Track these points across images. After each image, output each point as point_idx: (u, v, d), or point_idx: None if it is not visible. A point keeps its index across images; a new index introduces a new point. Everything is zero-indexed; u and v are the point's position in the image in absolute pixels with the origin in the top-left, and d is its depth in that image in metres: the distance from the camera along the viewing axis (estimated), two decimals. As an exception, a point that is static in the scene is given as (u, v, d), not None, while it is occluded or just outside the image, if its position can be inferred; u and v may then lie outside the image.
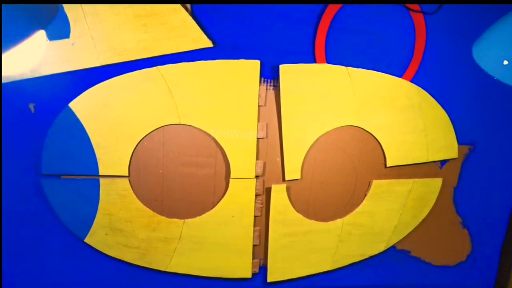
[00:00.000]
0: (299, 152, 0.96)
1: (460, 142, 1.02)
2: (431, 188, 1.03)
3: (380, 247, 1.05)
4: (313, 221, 1.00)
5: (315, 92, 0.93)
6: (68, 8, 0.81)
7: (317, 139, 0.96)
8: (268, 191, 0.97)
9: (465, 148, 1.03)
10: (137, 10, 0.83)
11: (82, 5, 0.81)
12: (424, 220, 1.06)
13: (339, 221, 1.01)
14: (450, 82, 0.98)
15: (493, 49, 0.72)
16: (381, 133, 0.98)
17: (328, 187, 1.00)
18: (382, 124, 0.97)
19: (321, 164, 0.99)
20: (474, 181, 1.01)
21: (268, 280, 1.00)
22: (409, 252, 1.09)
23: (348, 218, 1.01)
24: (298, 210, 1.00)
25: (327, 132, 0.96)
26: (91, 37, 0.84)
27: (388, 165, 0.99)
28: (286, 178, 0.96)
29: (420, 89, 0.97)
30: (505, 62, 0.68)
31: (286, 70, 0.91)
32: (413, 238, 1.08)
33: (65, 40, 0.84)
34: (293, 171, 0.96)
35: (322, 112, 0.94)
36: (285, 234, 0.99)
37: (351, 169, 1.00)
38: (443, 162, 1.03)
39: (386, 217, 1.03)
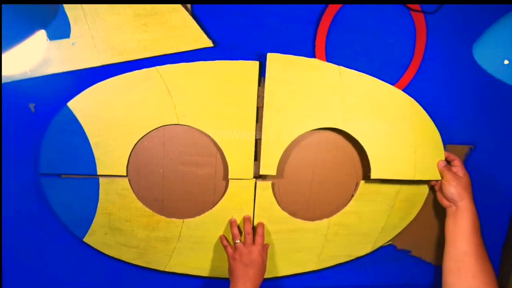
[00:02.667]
0: (277, 147, 0.93)
1: (460, 142, 1.02)
2: (419, 190, 1.01)
3: (367, 248, 1.05)
4: (299, 219, 1.00)
5: (302, 87, 0.90)
6: (68, 7, 0.82)
7: (303, 137, 0.95)
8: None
9: (466, 148, 1.02)
10: (137, 9, 0.83)
11: (83, 5, 0.81)
12: (424, 220, 1.06)
13: (325, 220, 1.00)
14: (450, 81, 0.98)
15: (494, 48, 0.72)
16: (367, 141, 0.94)
17: (328, 186, 1.00)
18: (369, 132, 0.94)
19: (321, 164, 0.99)
20: (474, 181, 1.00)
21: None
22: (410, 252, 1.09)
23: (335, 218, 1.00)
24: (298, 209, 1.00)
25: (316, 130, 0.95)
26: (91, 36, 0.84)
27: (372, 177, 0.96)
28: (261, 173, 0.94)
29: (414, 101, 0.94)
30: (506, 62, 0.68)
31: (274, 59, 0.89)
32: (414, 238, 1.07)
33: (66, 39, 0.84)
34: (268, 167, 0.93)
35: (306, 110, 0.91)
36: (270, 232, 0.99)
37: (351, 167, 1.00)
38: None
39: (373, 218, 1.01)
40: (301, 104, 0.92)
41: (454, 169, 0.97)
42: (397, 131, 0.95)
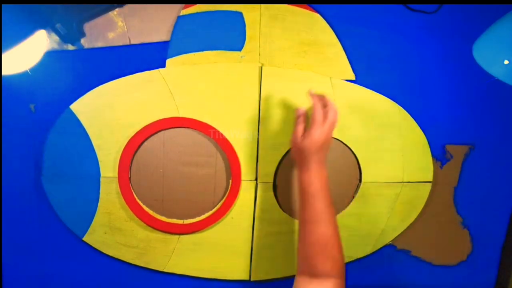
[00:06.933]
0: (274, 156, 0.95)
1: (460, 142, 1.02)
2: (420, 192, 1.02)
3: (367, 250, 1.05)
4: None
5: (297, 99, 0.93)
6: (248, 27, 0.90)
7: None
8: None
9: (465, 148, 1.02)
10: (303, 38, 0.92)
11: (261, 26, 0.91)
12: (424, 220, 1.05)
13: None
14: (450, 81, 0.98)
15: (494, 48, 0.72)
16: (358, 148, 0.97)
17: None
18: (360, 139, 0.97)
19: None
20: (474, 181, 1.00)
21: (252, 279, 0.99)
22: (410, 252, 1.08)
23: None
24: (297, 209, 1.00)
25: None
26: (258, 53, 0.92)
27: (363, 181, 0.99)
28: (259, 181, 0.95)
29: (401, 108, 0.97)
30: (506, 62, 0.69)
31: (268, 73, 0.92)
32: (414, 238, 1.07)
33: (236, 52, 0.92)
34: (266, 175, 0.96)
35: None
36: (271, 233, 0.99)
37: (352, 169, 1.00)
38: (443, 161, 1.03)
39: (373, 220, 1.02)
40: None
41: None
42: (386, 137, 0.98)
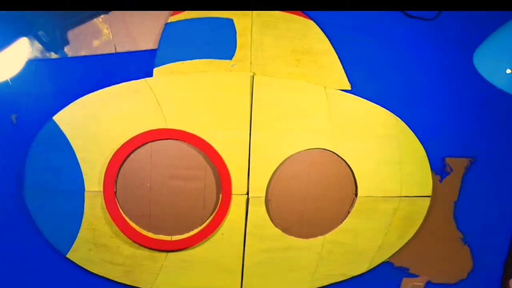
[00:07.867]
0: (266, 170, 0.94)
1: (461, 154, 1.00)
2: (418, 207, 1.00)
3: (363, 268, 1.02)
4: (292, 237, 0.98)
5: (290, 109, 0.92)
6: (239, 36, 0.90)
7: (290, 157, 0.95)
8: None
9: (466, 161, 1.00)
10: (296, 46, 0.92)
11: (252, 34, 0.90)
12: (423, 236, 1.03)
13: (320, 238, 0.98)
14: (450, 91, 0.97)
15: (495, 57, 0.70)
16: (354, 160, 0.96)
17: (323, 202, 0.98)
18: (356, 151, 0.96)
19: (315, 178, 0.97)
20: (475, 195, 0.99)
21: None
22: (408, 269, 1.07)
23: (329, 235, 0.99)
24: (291, 226, 0.98)
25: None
26: (250, 62, 0.92)
27: (359, 195, 0.97)
28: (250, 195, 0.94)
29: (399, 119, 0.96)
30: (508, 71, 0.67)
31: (260, 82, 0.91)
32: (412, 255, 1.05)
33: (227, 61, 0.91)
34: (257, 189, 0.94)
35: (294, 131, 0.93)
36: (263, 250, 0.97)
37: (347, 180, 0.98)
38: (443, 175, 1.01)
39: (370, 236, 1.00)
40: (289, 126, 0.93)
41: None
42: (383, 148, 0.97)
